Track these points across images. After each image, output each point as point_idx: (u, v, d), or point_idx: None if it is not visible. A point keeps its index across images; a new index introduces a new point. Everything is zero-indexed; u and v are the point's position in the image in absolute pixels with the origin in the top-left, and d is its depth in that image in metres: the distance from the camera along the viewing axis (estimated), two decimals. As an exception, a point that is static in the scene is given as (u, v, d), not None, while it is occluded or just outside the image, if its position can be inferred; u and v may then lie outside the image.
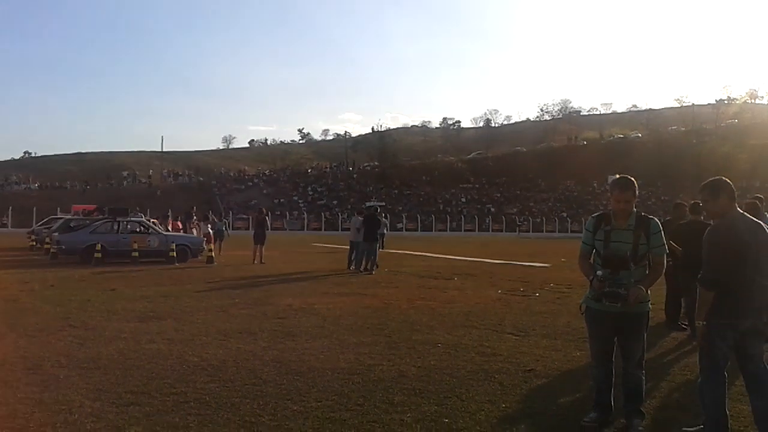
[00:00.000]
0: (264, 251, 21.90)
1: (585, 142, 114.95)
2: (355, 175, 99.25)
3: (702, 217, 8.62)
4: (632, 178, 4.81)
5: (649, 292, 4.81)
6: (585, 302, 4.95)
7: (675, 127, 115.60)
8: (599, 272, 4.70)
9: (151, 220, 25.74)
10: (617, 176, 4.91)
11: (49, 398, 5.25)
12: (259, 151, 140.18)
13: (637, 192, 4.80)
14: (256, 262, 21.20)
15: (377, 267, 18.62)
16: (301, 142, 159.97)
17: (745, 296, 4.39)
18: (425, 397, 5.52)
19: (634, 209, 4.82)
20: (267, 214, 24.88)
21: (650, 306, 4.87)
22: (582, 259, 4.99)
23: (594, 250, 4.90)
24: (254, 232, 22.57)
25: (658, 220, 4.88)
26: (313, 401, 5.33)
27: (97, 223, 22.01)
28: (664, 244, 4.80)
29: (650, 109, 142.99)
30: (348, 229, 22.19)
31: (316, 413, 5.01)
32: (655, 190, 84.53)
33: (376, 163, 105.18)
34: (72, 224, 24.36)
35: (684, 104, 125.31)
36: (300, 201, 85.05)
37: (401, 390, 5.71)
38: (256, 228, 22.50)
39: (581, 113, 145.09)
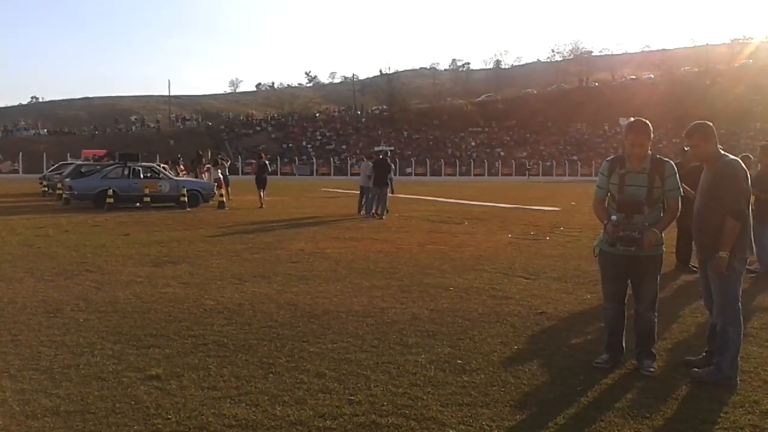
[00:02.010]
0: (265, 196, 22.11)
1: (596, 84, 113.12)
2: (363, 119, 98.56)
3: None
4: (646, 121, 4.76)
5: (663, 235, 4.83)
6: (599, 245, 4.97)
7: (688, 68, 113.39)
8: (614, 217, 4.70)
9: (161, 164, 25.74)
10: (631, 119, 4.86)
11: (70, 341, 5.37)
12: (266, 94, 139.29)
13: (651, 135, 4.76)
14: (256, 206, 21.36)
15: (387, 212, 18.66)
16: (308, 85, 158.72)
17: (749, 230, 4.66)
18: (438, 338, 5.61)
19: (649, 152, 4.79)
20: (267, 159, 24.93)
21: (664, 249, 4.89)
22: (597, 204, 4.99)
23: (609, 194, 4.89)
24: (255, 177, 22.68)
25: (672, 163, 4.85)
26: (329, 343, 5.43)
27: (108, 168, 22.06)
28: (678, 187, 4.78)
29: (663, 50, 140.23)
30: (358, 174, 22.17)
31: (332, 354, 5.11)
32: (667, 132, 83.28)
33: (384, 107, 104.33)
34: (83, 169, 24.42)
35: (697, 44, 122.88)
36: (308, 146, 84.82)
37: (415, 332, 5.81)
38: (257, 173, 22.62)
39: (593, 54, 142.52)
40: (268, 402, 4.09)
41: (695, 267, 9.03)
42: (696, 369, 4.76)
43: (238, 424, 3.75)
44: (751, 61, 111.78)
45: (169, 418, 3.80)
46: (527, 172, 74.57)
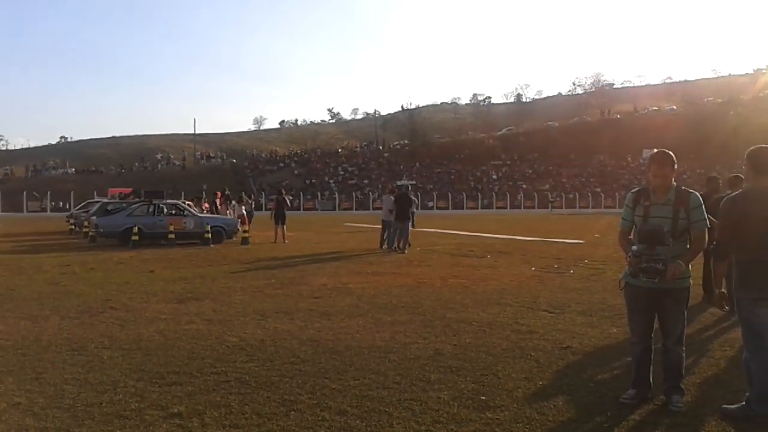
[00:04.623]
0: (286, 231, 22.39)
1: (618, 116, 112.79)
2: (385, 154, 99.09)
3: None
4: (670, 152, 4.74)
5: (690, 267, 4.75)
6: (624, 278, 4.92)
7: (711, 99, 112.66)
8: (634, 247, 4.66)
9: (186, 202, 26.06)
10: (655, 150, 4.84)
11: (94, 378, 5.39)
12: (289, 131, 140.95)
13: (675, 166, 4.73)
14: (277, 241, 21.50)
15: (409, 246, 18.64)
16: (331, 121, 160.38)
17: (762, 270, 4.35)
18: (462, 374, 5.54)
19: (674, 183, 4.75)
20: (285, 195, 25.20)
21: (691, 281, 4.81)
22: (622, 236, 4.95)
23: (634, 226, 4.85)
24: (274, 212, 22.91)
25: (698, 195, 4.80)
26: (351, 379, 5.39)
27: (134, 206, 22.37)
28: (704, 219, 4.72)
29: (685, 81, 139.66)
30: (380, 209, 22.24)
31: (354, 391, 5.06)
32: (691, 163, 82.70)
33: (406, 142, 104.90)
34: (109, 207, 24.77)
35: (720, 75, 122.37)
36: (331, 181, 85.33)
37: (437, 368, 5.74)
38: (276, 208, 22.85)
39: (614, 86, 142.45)
40: (289, 440, 4.05)
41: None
42: (726, 406, 4.63)
43: (259, 462, 3.72)
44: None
45: (190, 457, 3.78)
46: (550, 205, 74.16)
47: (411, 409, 4.65)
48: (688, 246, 4.74)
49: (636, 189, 4.99)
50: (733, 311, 5.84)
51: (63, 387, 5.17)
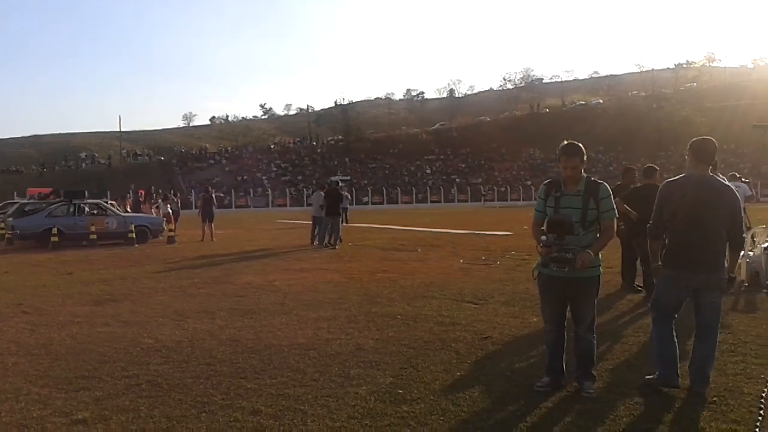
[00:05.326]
0: (214, 229, 22.01)
1: (547, 110, 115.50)
2: (319, 150, 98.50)
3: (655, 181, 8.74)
4: (579, 144, 4.81)
5: (600, 256, 4.85)
6: (536, 268, 4.98)
7: (636, 92, 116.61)
8: (543, 237, 4.72)
9: (109, 201, 25.23)
10: (564, 142, 4.90)
11: (-5, 387, 5.12)
12: (220, 128, 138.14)
13: (585, 157, 4.81)
14: (205, 240, 21.10)
15: (340, 241, 18.57)
16: (263, 117, 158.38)
17: (684, 249, 4.75)
18: (381, 369, 5.52)
19: (584, 174, 4.83)
20: (213, 192, 24.75)
21: (601, 270, 4.90)
22: (535, 226, 5.01)
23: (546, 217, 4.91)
24: (201, 210, 22.44)
25: (607, 185, 4.89)
26: (268, 378, 5.29)
27: (52, 206, 21.50)
28: (613, 209, 4.83)
29: (611, 75, 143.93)
30: (311, 205, 22.07)
31: (270, 390, 4.97)
32: (617, 155, 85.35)
33: (340, 137, 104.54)
34: (27, 208, 23.71)
35: (644, 69, 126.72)
36: (263, 177, 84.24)
37: (358, 363, 5.70)
38: (203, 206, 22.40)
39: (543, 81, 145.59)
40: (197, 443, 3.93)
41: (640, 286, 9.20)
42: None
43: (163, 468, 3.59)
44: (694, 84, 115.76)
45: (90, 466, 3.62)
46: (483, 198, 75.33)
47: (327, 406, 4.59)
48: (598, 236, 4.82)
49: (548, 181, 5.05)
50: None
51: (-41, 397, 4.88)
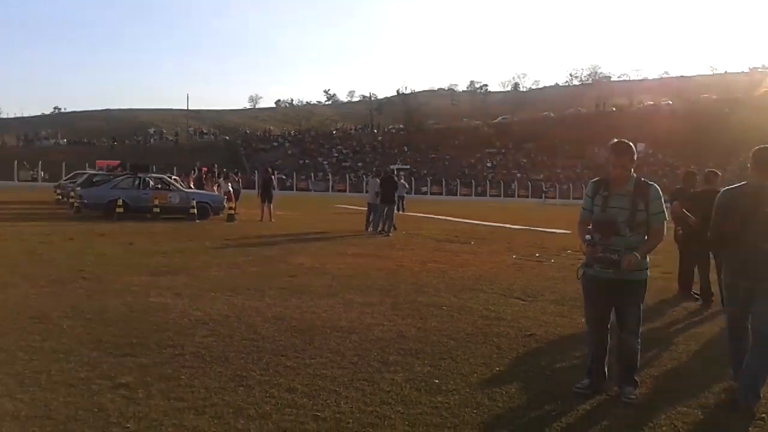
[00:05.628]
0: (273, 209, 22.23)
1: (614, 109, 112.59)
2: (380, 138, 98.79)
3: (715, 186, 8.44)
4: (630, 143, 4.69)
5: (647, 259, 4.72)
6: (581, 267, 4.88)
7: (707, 95, 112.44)
8: (588, 236, 4.62)
9: (173, 176, 25.91)
10: (614, 140, 4.77)
11: (49, 347, 5.35)
12: (284, 111, 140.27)
13: (635, 157, 4.67)
14: (264, 220, 21.40)
15: (395, 229, 18.61)
16: (326, 103, 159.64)
17: (740, 259, 4.67)
18: (420, 357, 5.52)
19: (634, 174, 4.70)
20: (273, 173, 25.03)
21: (648, 274, 4.77)
22: (581, 225, 4.90)
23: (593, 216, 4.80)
24: (260, 191, 22.70)
25: (657, 187, 4.74)
26: (308, 358, 5.36)
27: (119, 178, 22.22)
28: (663, 212, 4.68)
29: (682, 76, 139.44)
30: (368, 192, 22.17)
31: (308, 369, 5.04)
32: (684, 159, 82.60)
33: (401, 126, 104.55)
34: (95, 179, 24.62)
35: (716, 72, 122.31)
36: (325, 162, 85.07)
37: (397, 350, 5.72)
38: (263, 187, 22.68)
39: (611, 79, 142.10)
40: (232, 415, 4.02)
41: (697, 294, 8.91)
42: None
43: (196, 436, 3.69)
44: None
45: (127, 427, 3.75)
46: (543, 195, 74.16)
47: (362, 390, 4.63)
48: (646, 238, 4.70)
49: (596, 179, 4.93)
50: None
51: (16, 353, 5.12)
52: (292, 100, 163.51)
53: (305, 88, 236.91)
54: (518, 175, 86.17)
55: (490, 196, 73.78)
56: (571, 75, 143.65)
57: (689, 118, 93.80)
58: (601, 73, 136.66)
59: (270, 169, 25.63)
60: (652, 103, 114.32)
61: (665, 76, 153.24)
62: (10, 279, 8.57)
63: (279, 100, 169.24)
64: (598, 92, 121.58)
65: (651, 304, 8.32)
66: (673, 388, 5.00)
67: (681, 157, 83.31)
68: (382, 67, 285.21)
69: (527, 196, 74.79)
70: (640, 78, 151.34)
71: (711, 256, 8.12)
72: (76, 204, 21.82)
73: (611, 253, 4.49)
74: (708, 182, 8.87)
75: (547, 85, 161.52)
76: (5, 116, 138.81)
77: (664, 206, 4.69)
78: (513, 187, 78.48)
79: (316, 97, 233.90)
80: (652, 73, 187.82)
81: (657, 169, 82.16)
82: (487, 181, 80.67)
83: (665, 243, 8.82)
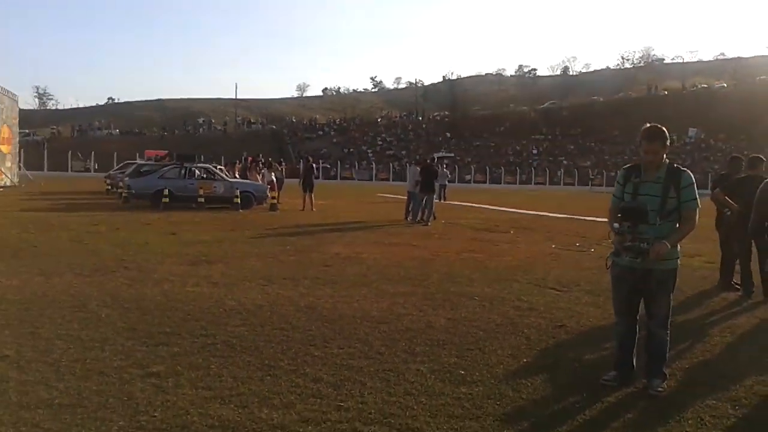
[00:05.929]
0: (315, 199, 22.35)
1: (666, 92, 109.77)
2: (424, 125, 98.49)
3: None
4: (662, 127, 4.57)
5: (678, 248, 4.63)
6: (610, 257, 4.81)
7: (764, 77, 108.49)
8: (615, 225, 4.54)
9: (218, 166, 26.35)
10: (647, 125, 4.66)
11: (86, 335, 5.53)
12: (331, 99, 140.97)
13: (667, 142, 4.57)
14: (305, 209, 21.57)
15: (434, 218, 18.57)
16: (373, 90, 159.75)
17: None
18: (447, 348, 5.53)
19: (666, 160, 4.60)
20: (313, 162, 25.16)
21: (678, 263, 4.68)
22: (611, 213, 4.80)
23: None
24: (302, 180, 22.87)
25: (690, 173, 4.62)
26: (336, 347, 5.42)
27: (165, 168, 22.70)
28: (695, 198, 4.57)
29: (739, 58, 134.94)
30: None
31: (335, 359, 5.10)
32: (738, 143, 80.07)
33: (446, 113, 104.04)
34: (143, 169, 25.20)
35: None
36: (369, 151, 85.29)
37: (425, 340, 5.74)
38: (304, 176, 22.82)
39: (665, 61, 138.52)
40: (256, 404, 4.11)
41: (737, 284, 8.69)
42: None
43: (220, 425, 3.78)
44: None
45: (155, 416, 3.86)
46: (590, 182, 72.90)
47: (387, 380, 4.67)
48: (677, 226, 4.60)
49: (628, 165, 4.84)
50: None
51: (54, 342, 5.31)
52: (338, 87, 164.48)
53: (352, 76, 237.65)
54: (564, 162, 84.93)
55: (535, 183, 72.98)
56: (622, 58, 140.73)
57: (744, 101, 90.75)
58: (654, 55, 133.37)
59: (310, 159, 25.83)
60: (705, 85, 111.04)
61: (721, 57, 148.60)
62: (55, 268, 8.87)
63: (326, 88, 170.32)
64: (651, 75, 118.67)
65: (690, 294, 8.20)
66: (704, 380, 4.91)
67: (734, 142, 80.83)
68: (430, 53, 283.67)
69: (573, 184, 73.69)
70: (694, 60, 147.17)
71: (753, 244, 7.90)
72: (124, 194, 22.40)
73: (640, 242, 4.41)
74: (752, 167, 8.60)
75: (598, 68, 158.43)
76: (61, 107, 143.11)
77: (696, 193, 4.58)
78: (559, 174, 77.38)
79: (363, 84, 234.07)
80: (707, 54, 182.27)
81: (709, 155, 79.98)
82: (532, 169, 79.72)
83: (709, 231, 8.62)
